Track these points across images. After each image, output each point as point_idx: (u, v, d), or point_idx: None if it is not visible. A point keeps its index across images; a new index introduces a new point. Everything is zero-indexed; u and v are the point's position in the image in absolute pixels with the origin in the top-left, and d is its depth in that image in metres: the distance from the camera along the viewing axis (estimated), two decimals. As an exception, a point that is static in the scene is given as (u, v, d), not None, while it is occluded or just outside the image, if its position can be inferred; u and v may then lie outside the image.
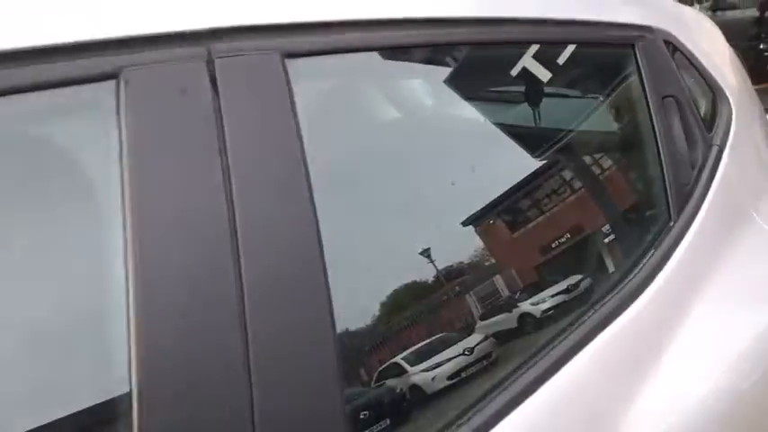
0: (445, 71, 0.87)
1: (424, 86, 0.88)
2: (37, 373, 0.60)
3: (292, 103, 0.71)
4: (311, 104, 0.74)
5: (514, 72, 0.92)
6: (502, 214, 0.95)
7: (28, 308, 0.61)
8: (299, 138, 0.70)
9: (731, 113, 1.30)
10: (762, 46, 8.02)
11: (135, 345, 0.58)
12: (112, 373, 0.61)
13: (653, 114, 1.12)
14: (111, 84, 0.62)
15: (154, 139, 0.62)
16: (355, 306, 0.79)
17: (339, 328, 0.69)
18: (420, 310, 0.85)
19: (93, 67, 0.61)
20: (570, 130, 1.10)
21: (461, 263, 0.91)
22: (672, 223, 1.11)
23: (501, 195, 0.95)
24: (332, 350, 0.68)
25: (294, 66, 0.72)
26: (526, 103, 1.03)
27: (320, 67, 0.77)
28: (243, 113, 0.67)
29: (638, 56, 1.13)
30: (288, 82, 0.71)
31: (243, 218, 0.64)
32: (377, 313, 0.80)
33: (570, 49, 0.99)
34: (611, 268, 1.07)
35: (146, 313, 0.59)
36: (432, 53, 0.87)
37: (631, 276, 1.05)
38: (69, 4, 0.63)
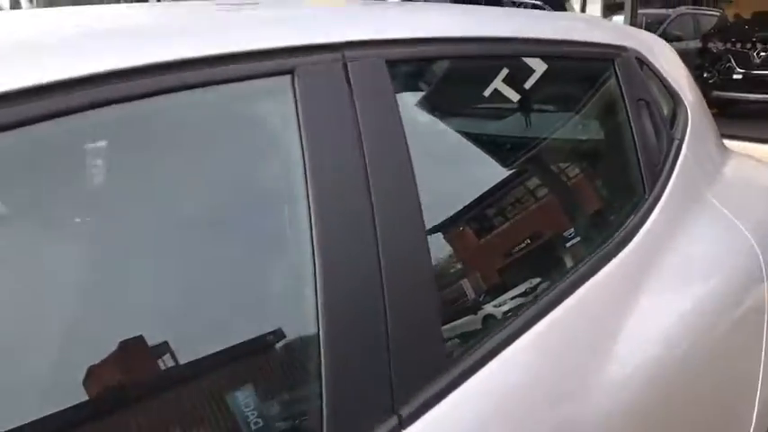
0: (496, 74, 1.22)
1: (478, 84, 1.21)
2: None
3: (394, 96, 1.02)
4: (405, 98, 1.05)
5: (536, 77, 1.26)
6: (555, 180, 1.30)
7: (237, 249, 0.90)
8: (400, 121, 1.01)
9: (687, 116, 1.66)
10: (705, 75, 8.65)
11: (319, 261, 0.87)
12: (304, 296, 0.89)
13: (629, 112, 1.47)
14: (288, 77, 0.92)
15: (318, 116, 0.92)
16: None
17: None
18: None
19: (280, 64, 0.91)
20: (568, 119, 1.45)
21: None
22: (647, 196, 1.45)
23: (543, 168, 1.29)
24: (431, 276, 0.99)
25: (393, 69, 1.03)
26: (539, 102, 1.37)
27: (410, 71, 1.09)
28: (366, 103, 0.98)
29: (617, 68, 1.48)
30: (390, 81, 1.02)
31: (372, 168, 0.95)
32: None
33: (573, 62, 1.34)
34: (603, 227, 1.40)
35: (323, 231, 0.88)
36: (489, 62, 1.20)
37: (617, 235, 1.37)
38: (260, 23, 0.94)
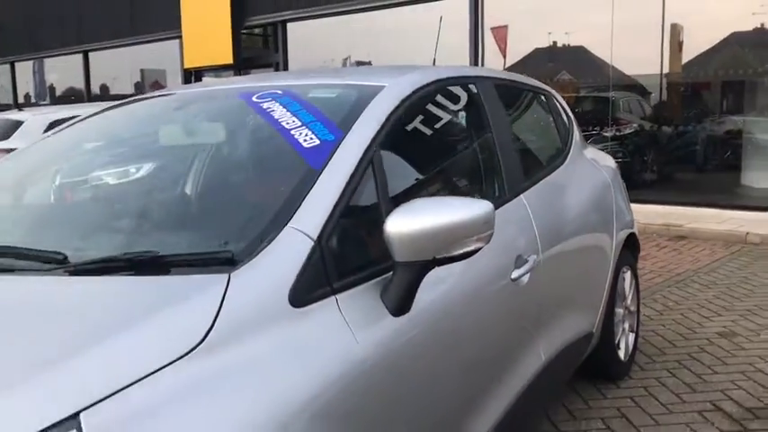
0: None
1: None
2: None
3: (497, 96, 2.96)
4: (500, 95, 2.99)
5: (524, 100, 3.29)
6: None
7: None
8: (502, 104, 2.95)
9: (572, 123, 3.75)
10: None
11: (498, 144, 2.77)
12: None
13: (554, 117, 3.52)
14: (474, 86, 2.82)
15: (486, 98, 2.82)
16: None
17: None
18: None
19: (469, 80, 2.82)
20: (531, 121, 3.48)
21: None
22: (564, 149, 3.48)
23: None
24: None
25: (496, 88, 2.97)
26: (522, 112, 3.39)
27: (500, 89, 3.03)
28: (495, 96, 2.90)
29: (546, 98, 3.54)
30: (496, 91, 2.96)
31: (498, 139, 2.85)
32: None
33: (532, 93, 3.40)
34: (552, 157, 3.39)
35: (497, 132, 2.78)
36: (512, 90, 3.20)
37: (557, 161, 3.36)
38: (459, 69, 2.85)
